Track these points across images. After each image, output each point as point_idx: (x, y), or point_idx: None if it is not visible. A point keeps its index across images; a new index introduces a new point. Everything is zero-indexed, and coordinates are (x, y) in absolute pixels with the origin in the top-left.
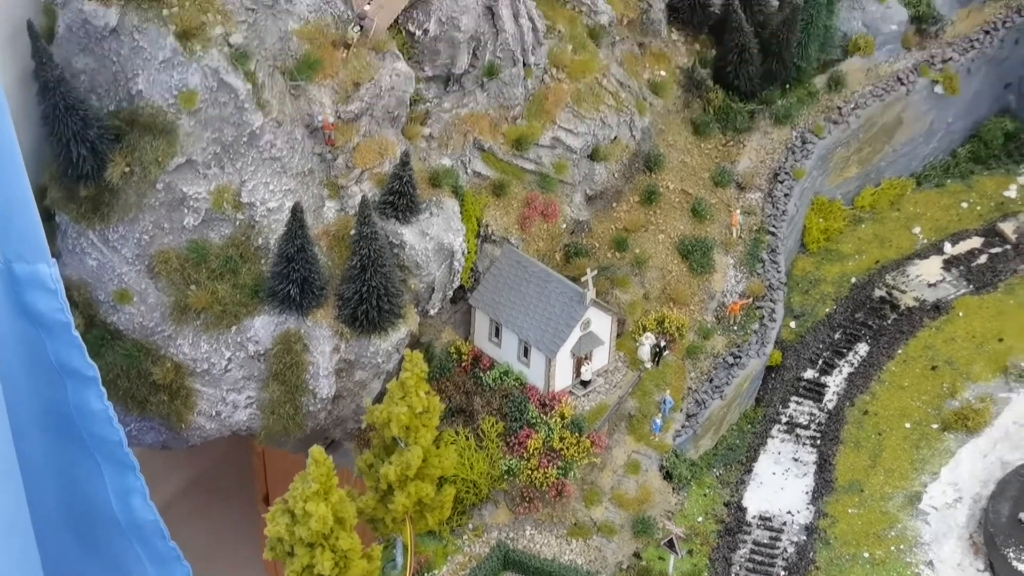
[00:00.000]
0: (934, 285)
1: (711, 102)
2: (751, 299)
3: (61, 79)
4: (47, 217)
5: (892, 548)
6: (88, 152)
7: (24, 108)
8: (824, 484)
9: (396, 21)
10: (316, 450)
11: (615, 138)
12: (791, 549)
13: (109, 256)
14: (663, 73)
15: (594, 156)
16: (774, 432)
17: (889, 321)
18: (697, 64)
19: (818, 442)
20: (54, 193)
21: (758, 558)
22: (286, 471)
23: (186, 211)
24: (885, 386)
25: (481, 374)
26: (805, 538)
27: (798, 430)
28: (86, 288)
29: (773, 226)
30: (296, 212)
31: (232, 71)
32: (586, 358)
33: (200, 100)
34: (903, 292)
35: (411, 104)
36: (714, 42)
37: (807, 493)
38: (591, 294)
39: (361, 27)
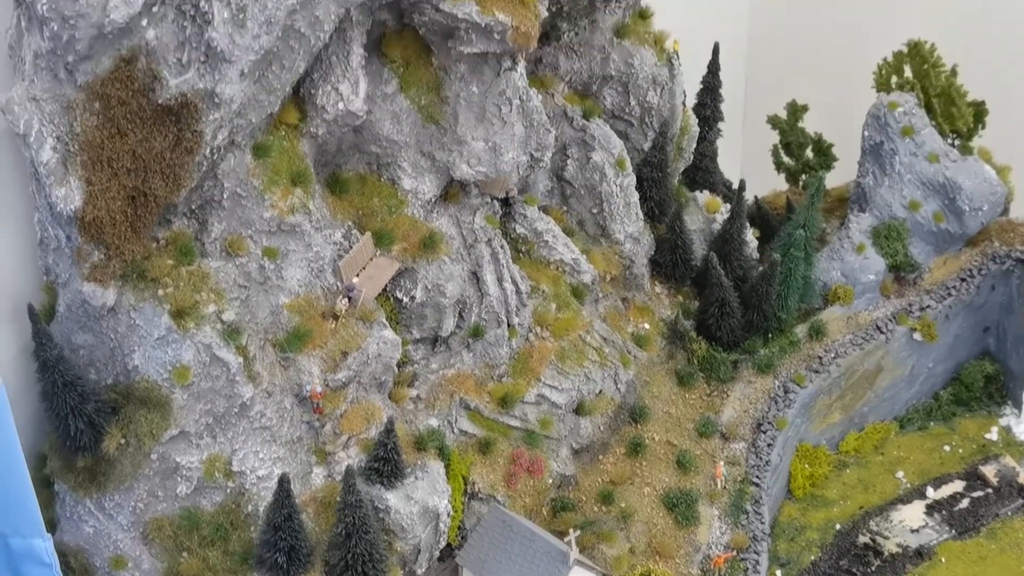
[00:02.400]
0: (917, 531)
1: (695, 353)
2: (735, 551)
3: (60, 358)
4: (46, 484)
5: None
6: (85, 425)
7: (24, 381)
8: None
9: (384, 290)
10: None
11: (600, 392)
12: None
13: (105, 523)
14: (647, 326)
15: (579, 411)
16: None
17: (873, 568)
18: (680, 316)
19: None
20: (53, 463)
21: None
22: None
23: (179, 480)
24: None
25: None
26: None
27: None
28: (83, 554)
29: (757, 477)
30: (283, 483)
31: (224, 346)
32: None
33: (193, 375)
34: (886, 538)
35: (399, 366)
36: (697, 293)
37: None
38: (574, 554)
39: (349, 299)
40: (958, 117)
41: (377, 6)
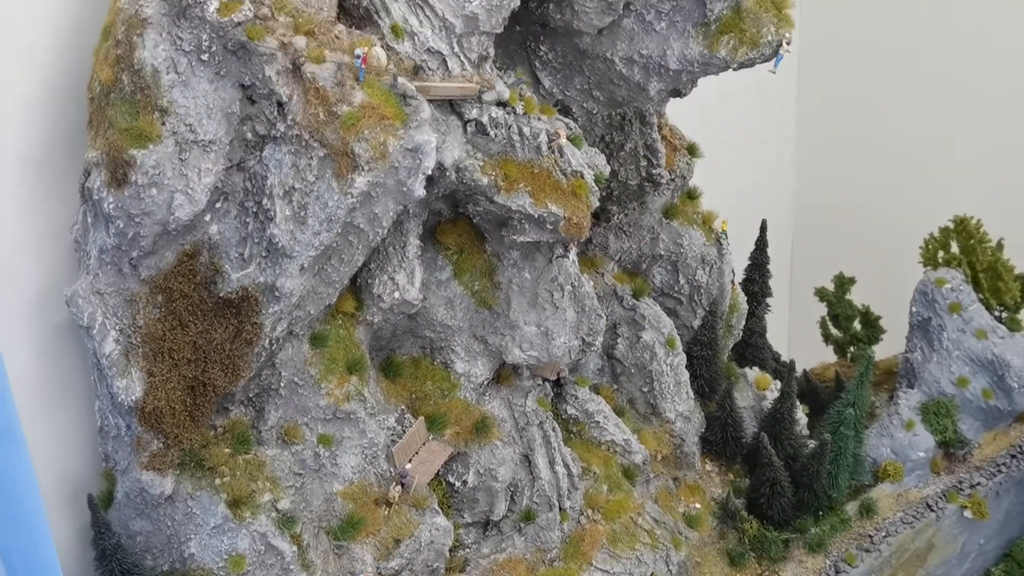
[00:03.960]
0: None
1: (746, 532)
2: None
3: (118, 546)
4: None
5: None
6: None
7: (81, 565)
8: None
9: (436, 474)
10: None
11: (651, 575)
12: None
13: None
14: (698, 505)
15: None
16: None
17: None
18: (731, 495)
19: None
20: None
21: None
22: None
23: None
24: None
25: None
26: None
27: None
28: None
29: None
30: None
31: (279, 535)
32: None
33: (248, 563)
34: None
35: (450, 550)
36: (748, 470)
37: None
38: None
39: (403, 485)
40: (1005, 292)
41: (433, 198)
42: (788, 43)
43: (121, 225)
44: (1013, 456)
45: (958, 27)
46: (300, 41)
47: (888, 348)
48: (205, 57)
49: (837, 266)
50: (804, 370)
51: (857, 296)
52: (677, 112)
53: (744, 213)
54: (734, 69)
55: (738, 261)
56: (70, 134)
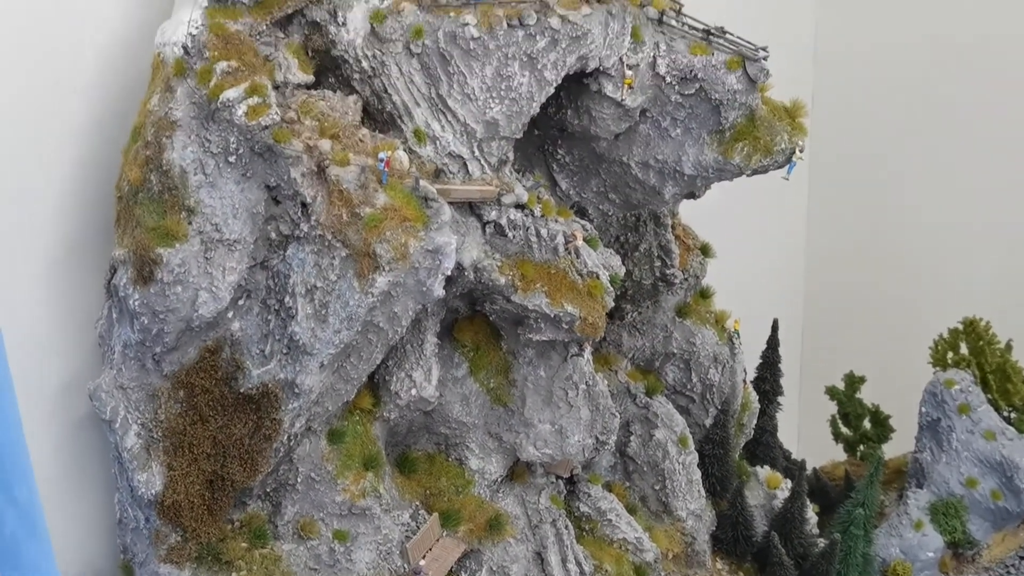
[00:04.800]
0: None
1: None
2: None
3: None
4: None
5: None
6: None
7: None
8: None
9: (449, 571)
10: None
11: None
12: None
13: None
14: None
15: None
16: None
17: None
18: None
19: None
20: None
21: None
22: None
23: None
24: None
25: None
26: None
27: None
28: None
29: None
30: None
31: None
32: None
33: None
34: None
35: None
36: (758, 568)
37: None
38: None
39: None
40: (1014, 393)
41: (451, 297)
42: (801, 151)
43: (146, 321)
44: (1022, 558)
45: (967, 132)
46: (325, 144)
47: (898, 447)
48: (232, 159)
49: (847, 365)
50: (814, 468)
51: (867, 395)
52: (690, 212)
53: (755, 312)
54: (748, 175)
55: (750, 359)
56: (97, 232)
